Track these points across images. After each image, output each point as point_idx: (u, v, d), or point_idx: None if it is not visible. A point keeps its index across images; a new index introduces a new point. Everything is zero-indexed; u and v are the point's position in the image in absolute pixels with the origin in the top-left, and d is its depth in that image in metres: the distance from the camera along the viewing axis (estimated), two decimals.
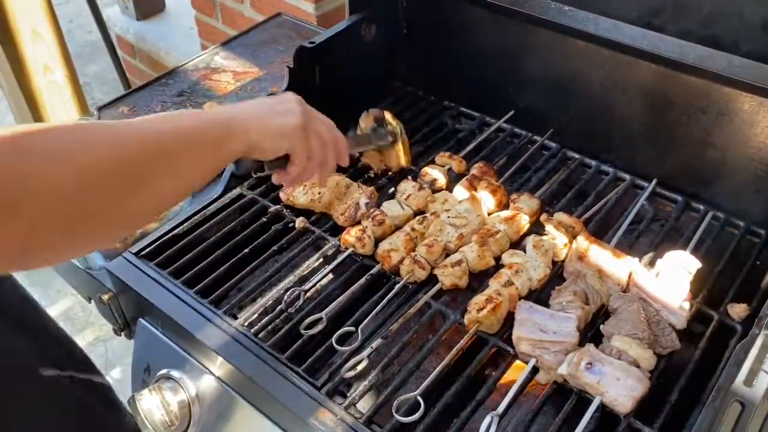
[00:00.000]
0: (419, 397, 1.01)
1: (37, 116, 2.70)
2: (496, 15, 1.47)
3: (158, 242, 1.28)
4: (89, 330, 2.84)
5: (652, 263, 1.21)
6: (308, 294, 1.22)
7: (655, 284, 1.13)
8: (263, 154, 0.99)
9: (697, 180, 1.34)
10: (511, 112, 1.54)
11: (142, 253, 1.26)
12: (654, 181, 1.37)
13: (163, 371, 1.18)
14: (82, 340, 2.79)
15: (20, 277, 3.04)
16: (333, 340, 1.11)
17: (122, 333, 1.41)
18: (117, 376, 2.70)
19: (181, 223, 1.32)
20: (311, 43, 1.40)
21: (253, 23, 2.28)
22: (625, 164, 1.42)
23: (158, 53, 2.91)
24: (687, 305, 1.11)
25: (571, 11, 1.42)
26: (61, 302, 2.93)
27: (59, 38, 2.59)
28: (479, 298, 1.12)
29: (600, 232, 1.30)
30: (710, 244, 1.26)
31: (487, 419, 0.97)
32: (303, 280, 1.24)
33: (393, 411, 1.00)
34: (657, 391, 1.03)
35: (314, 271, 1.26)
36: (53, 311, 2.90)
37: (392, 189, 1.43)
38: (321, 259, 1.28)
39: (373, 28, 1.54)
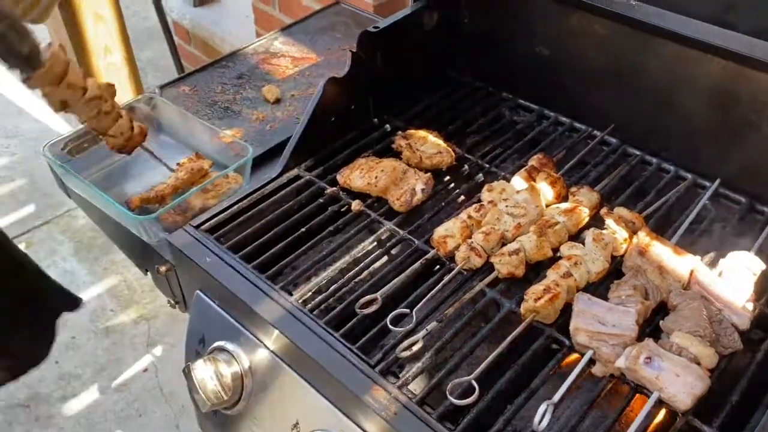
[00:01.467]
0: (474, 382, 1.01)
1: None
2: (559, 5, 1.46)
3: (217, 217, 1.30)
4: (133, 308, 2.90)
5: (713, 263, 1.18)
6: (362, 275, 1.23)
7: (718, 283, 1.11)
8: None
9: (763, 181, 1.31)
10: (570, 107, 1.52)
11: (202, 227, 1.28)
12: (717, 181, 1.34)
13: (218, 343, 1.20)
14: (126, 317, 2.86)
15: (70, 251, 3.10)
16: (387, 320, 1.11)
17: (177, 305, 1.44)
18: (159, 354, 2.76)
19: (240, 200, 1.34)
20: (375, 28, 1.41)
21: (310, 11, 2.31)
22: (688, 162, 1.39)
23: (213, 39, 2.96)
24: (750, 306, 1.09)
25: (637, 6, 1.41)
26: (107, 280, 3.00)
27: (120, 21, 2.65)
28: (537, 288, 1.11)
29: (660, 230, 1.27)
30: None
31: (543, 407, 0.97)
32: (357, 261, 1.25)
33: (447, 393, 1.00)
34: (717, 390, 1.00)
35: (368, 254, 1.26)
36: (99, 288, 2.97)
37: (447, 177, 1.43)
38: (375, 243, 1.28)
39: (435, 15, 1.54)
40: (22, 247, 3.13)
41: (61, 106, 1.30)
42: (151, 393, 2.60)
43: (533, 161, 1.37)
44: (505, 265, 1.16)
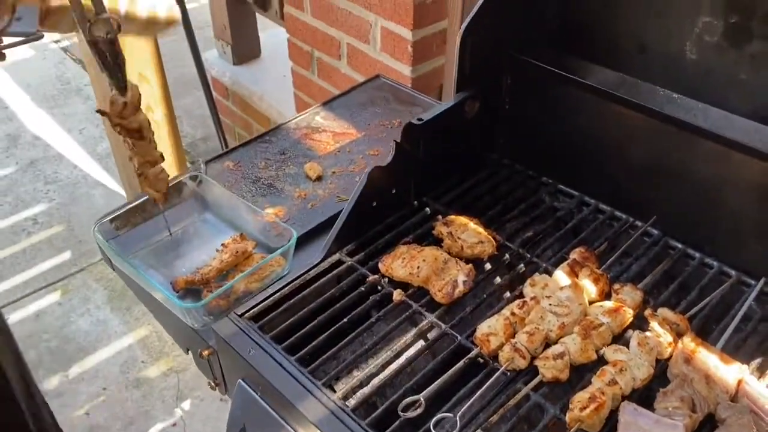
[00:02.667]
0: None
1: None
2: (600, 99, 1.48)
3: (261, 305, 1.32)
4: (163, 360, 2.92)
5: (761, 370, 1.17)
6: (404, 371, 1.23)
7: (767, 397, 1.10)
8: None
9: None
10: (611, 196, 1.53)
11: (246, 314, 1.30)
12: (762, 280, 1.33)
13: None
14: (156, 369, 2.88)
15: (103, 300, 3.15)
16: (431, 425, 1.11)
17: (217, 388, 1.45)
18: (187, 408, 2.77)
19: (282, 288, 1.36)
20: (419, 120, 1.44)
21: (348, 79, 2.36)
22: (732, 259, 1.38)
23: (251, 98, 3.02)
24: None
25: (680, 99, 1.42)
26: (140, 330, 3.04)
27: (163, 80, 2.73)
28: (582, 396, 1.10)
29: (703, 330, 1.27)
30: None
31: None
32: (399, 354, 1.25)
33: None
34: None
35: (410, 346, 1.27)
36: (130, 338, 3.00)
37: (488, 265, 1.44)
38: (417, 335, 1.29)
39: (476, 104, 1.56)
40: (57, 294, 3.19)
41: (130, 136, 1.37)
42: None
43: (575, 254, 1.37)
44: (550, 369, 1.16)
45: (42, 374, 2.85)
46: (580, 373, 1.19)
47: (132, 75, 2.58)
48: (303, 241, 1.52)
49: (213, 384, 1.44)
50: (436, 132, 1.49)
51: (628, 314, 1.24)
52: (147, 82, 2.68)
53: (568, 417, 1.09)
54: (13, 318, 3.07)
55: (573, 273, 1.32)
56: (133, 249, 1.53)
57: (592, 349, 1.19)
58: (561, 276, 1.32)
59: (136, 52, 2.55)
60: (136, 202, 1.57)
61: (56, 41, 5.03)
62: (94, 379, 2.86)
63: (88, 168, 3.92)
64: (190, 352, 1.47)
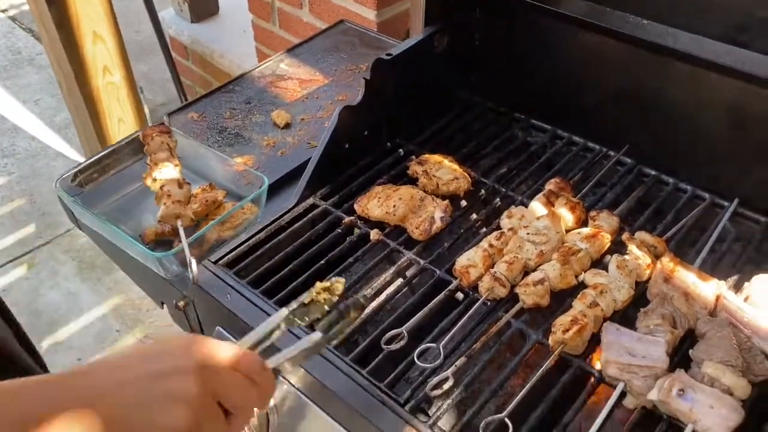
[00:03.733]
0: (507, 419, 1.00)
1: (93, 115, 2.75)
2: (571, 27, 1.46)
3: (235, 251, 1.29)
4: (138, 327, 2.88)
5: (737, 286, 1.18)
6: (385, 308, 1.22)
7: (746, 310, 1.11)
8: None
9: None
10: (584, 127, 1.52)
11: (221, 261, 1.27)
12: (736, 201, 1.34)
13: None
14: (132, 338, 2.84)
15: (73, 272, 3.08)
16: (414, 356, 1.10)
17: None
18: None
19: (257, 233, 1.33)
20: (388, 55, 1.40)
21: (310, 28, 2.30)
22: (705, 182, 1.38)
23: (212, 55, 2.94)
24: None
25: (649, 25, 1.40)
26: (113, 299, 2.98)
27: (119, 40, 2.63)
28: (564, 319, 1.10)
29: (680, 252, 1.27)
30: None
31: None
32: (379, 293, 1.24)
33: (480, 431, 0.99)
34: (749, 420, 1.00)
35: (389, 285, 1.25)
36: (103, 308, 2.95)
37: (463, 202, 1.42)
38: (396, 273, 1.27)
39: (445, 39, 1.53)
40: (23, 269, 3.11)
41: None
42: None
43: (550, 185, 1.36)
44: (530, 295, 1.15)
45: None
46: (561, 299, 1.19)
47: (86, 34, 2.50)
48: (275, 188, 1.48)
49: None
50: (405, 68, 1.46)
51: (606, 239, 1.24)
52: (102, 42, 2.58)
53: (551, 340, 1.09)
54: None
55: (549, 203, 1.32)
56: (99, 204, 1.48)
57: (572, 274, 1.19)
58: (537, 206, 1.31)
59: (88, 9, 2.44)
60: (97, 156, 1.51)
61: (3, 10, 4.82)
62: (68, 350, 2.80)
63: (47, 139, 3.79)
64: (165, 306, 1.43)
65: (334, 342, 0.87)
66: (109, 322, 2.91)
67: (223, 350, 0.72)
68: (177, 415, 0.67)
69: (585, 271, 1.21)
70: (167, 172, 1.37)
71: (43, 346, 2.80)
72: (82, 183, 1.51)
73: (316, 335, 0.84)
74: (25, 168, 3.61)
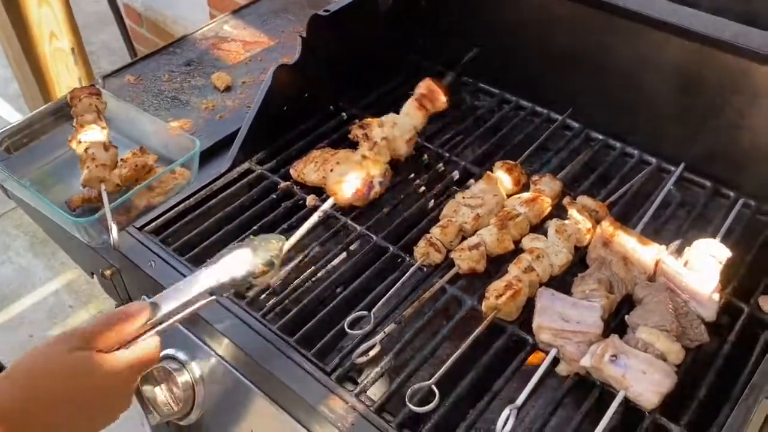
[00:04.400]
0: (434, 387, 0.97)
1: (41, 84, 2.64)
2: None
3: (163, 217, 1.24)
4: (93, 303, 2.81)
5: (679, 251, 1.15)
6: (319, 275, 1.17)
7: (684, 274, 1.08)
8: None
9: (728, 165, 1.27)
10: (531, 91, 1.47)
11: (147, 227, 1.21)
12: (682, 166, 1.31)
13: (167, 351, 1.13)
14: (86, 313, 2.77)
15: (25, 246, 3.00)
16: (345, 324, 1.06)
17: None
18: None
19: (187, 198, 1.27)
20: (326, 11, 1.34)
21: None
22: (652, 147, 1.35)
23: (165, 22, 2.84)
24: (717, 297, 1.06)
25: None
26: (66, 274, 2.90)
27: (65, 5, 2.52)
28: (498, 284, 1.06)
29: (624, 217, 1.24)
30: (741, 233, 1.20)
31: (506, 412, 0.93)
32: (314, 260, 1.19)
33: (406, 400, 0.96)
34: (684, 386, 0.98)
35: (326, 252, 1.21)
36: (56, 283, 2.87)
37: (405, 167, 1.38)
38: (333, 240, 1.23)
39: None
40: None
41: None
42: None
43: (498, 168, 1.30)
44: (465, 260, 1.11)
45: None
46: (499, 265, 1.15)
47: None
48: (212, 153, 1.42)
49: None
50: (347, 27, 1.39)
51: (546, 203, 1.21)
52: (48, 6, 2.47)
53: (483, 305, 1.06)
54: None
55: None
56: (28, 170, 1.41)
57: (509, 239, 1.15)
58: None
59: None
60: (25, 120, 1.44)
61: None
62: (19, 326, 2.73)
63: (0, 111, 3.67)
64: (95, 276, 1.37)
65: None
66: (62, 297, 2.83)
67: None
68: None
69: (524, 236, 1.17)
70: (93, 134, 1.31)
71: None
72: (10, 148, 1.44)
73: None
74: None
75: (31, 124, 1.46)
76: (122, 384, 0.81)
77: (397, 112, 1.42)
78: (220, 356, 1.09)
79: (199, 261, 1.16)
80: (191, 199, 1.27)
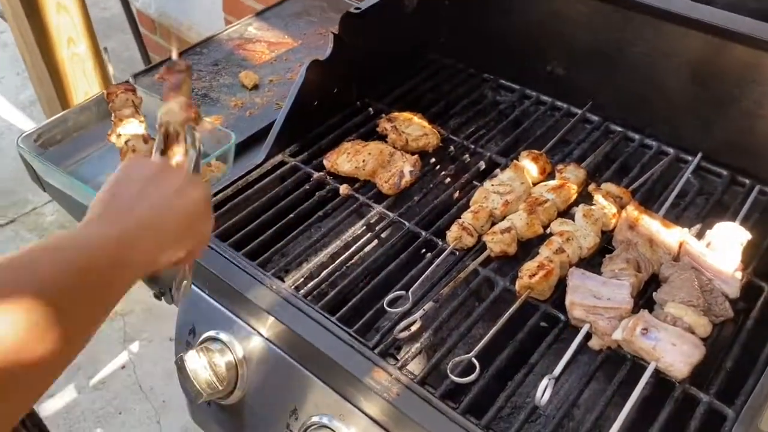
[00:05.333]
0: (474, 359, 1.01)
1: (58, 88, 2.69)
2: None
3: None
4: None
5: (699, 235, 1.20)
6: (354, 260, 1.22)
7: (707, 254, 1.13)
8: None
9: (745, 154, 1.33)
10: (551, 86, 1.53)
11: None
12: (699, 155, 1.36)
13: (210, 333, 1.17)
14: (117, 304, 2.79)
15: None
16: (384, 302, 1.10)
17: (162, 297, 1.40)
18: (135, 350, 2.71)
19: (224, 188, 1.32)
20: (357, 9, 1.39)
21: None
22: (670, 138, 1.40)
23: (180, 28, 2.89)
24: (739, 275, 1.11)
25: None
26: None
27: (83, 10, 2.58)
28: (530, 265, 1.11)
29: (645, 204, 1.28)
30: (758, 218, 1.26)
31: (544, 381, 0.97)
32: (348, 246, 1.23)
33: (448, 371, 1.00)
34: (711, 358, 1.02)
35: (359, 238, 1.25)
36: None
37: (433, 158, 1.43)
38: (365, 226, 1.27)
39: None
40: None
41: None
42: (130, 390, 2.56)
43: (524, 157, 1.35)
44: (497, 243, 1.16)
45: None
46: (528, 249, 1.20)
47: (50, 4, 2.45)
48: (243, 148, 1.47)
49: (158, 293, 1.39)
50: (375, 26, 1.45)
51: (573, 190, 1.26)
52: (66, 13, 2.52)
53: (517, 285, 1.10)
54: None
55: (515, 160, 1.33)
56: (63, 164, 1.46)
57: (539, 224, 1.20)
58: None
59: None
60: (60, 116, 1.49)
61: None
62: None
63: (12, 118, 3.71)
64: None
65: None
66: None
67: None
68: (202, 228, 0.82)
69: (552, 222, 1.22)
70: (132, 127, 1.35)
71: None
72: (45, 144, 1.48)
73: None
74: None
75: (65, 120, 1.50)
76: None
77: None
78: (263, 335, 1.13)
79: (239, 246, 1.20)
80: (229, 189, 1.31)
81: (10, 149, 3.51)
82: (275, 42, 1.79)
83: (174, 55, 0.88)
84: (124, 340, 2.73)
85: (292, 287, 1.14)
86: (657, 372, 1.00)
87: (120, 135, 1.35)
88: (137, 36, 3.04)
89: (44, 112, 3.03)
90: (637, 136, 1.44)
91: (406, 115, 1.44)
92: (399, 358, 1.05)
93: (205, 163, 1.35)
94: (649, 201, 1.31)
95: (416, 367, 1.05)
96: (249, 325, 1.14)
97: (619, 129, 1.45)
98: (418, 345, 1.05)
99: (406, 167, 1.33)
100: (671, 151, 1.40)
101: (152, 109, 1.49)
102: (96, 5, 4.24)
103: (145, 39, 3.13)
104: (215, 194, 1.30)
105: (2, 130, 3.63)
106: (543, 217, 1.21)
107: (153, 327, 2.75)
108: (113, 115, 1.41)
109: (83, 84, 2.73)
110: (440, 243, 1.21)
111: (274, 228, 1.25)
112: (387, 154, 1.35)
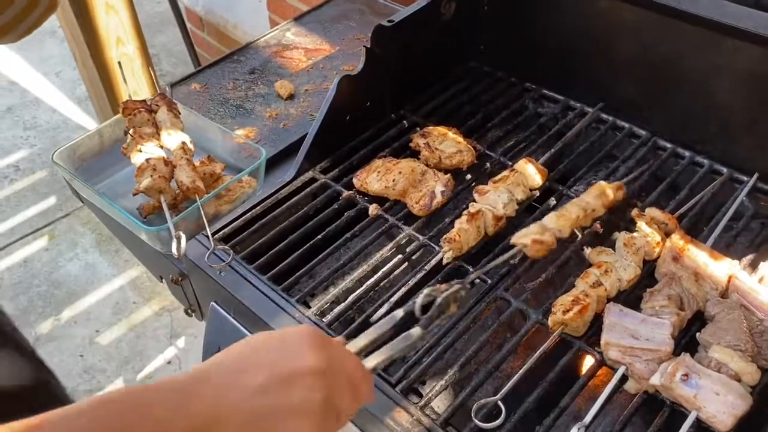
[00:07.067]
0: (500, 402, 0.97)
1: (108, 87, 2.74)
2: None
3: (231, 225, 1.27)
4: (155, 300, 2.90)
5: (753, 266, 1.12)
6: (382, 284, 1.18)
7: (759, 290, 1.05)
8: None
9: None
10: (597, 98, 1.45)
11: (216, 236, 1.25)
12: (755, 176, 1.27)
13: None
14: (148, 309, 2.86)
15: (92, 243, 3.09)
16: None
17: (193, 314, 1.41)
18: (182, 345, 2.76)
19: (253, 207, 1.30)
20: (390, 21, 1.34)
21: None
22: (723, 156, 1.31)
23: (226, 26, 2.90)
24: None
25: None
26: (130, 271, 3.00)
27: (132, 11, 2.61)
28: (565, 299, 1.05)
29: (694, 229, 1.21)
30: None
31: (573, 431, 0.92)
32: (376, 269, 1.20)
33: (472, 415, 0.96)
34: (758, 407, 0.95)
35: (387, 261, 1.21)
36: (120, 280, 2.97)
37: (468, 175, 1.37)
38: (395, 249, 1.23)
39: (452, 5, 1.46)
40: (44, 240, 3.15)
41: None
42: None
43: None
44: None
45: (33, 319, 2.83)
46: (563, 277, 1.14)
47: (99, 5, 2.48)
48: (276, 161, 1.45)
49: (189, 310, 1.40)
50: (410, 36, 1.40)
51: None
52: (115, 13, 2.56)
53: (550, 320, 1.05)
54: (0, 266, 3.03)
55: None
56: (100, 177, 1.47)
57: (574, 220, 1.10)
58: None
59: None
60: (96, 128, 1.49)
61: None
62: (86, 321, 2.84)
63: (68, 112, 3.81)
64: (163, 279, 1.42)
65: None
66: (126, 293, 2.93)
67: (337, 352, 0.70)
68: (301, 425, 0.65)
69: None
70: (151, 148, 1.34)
71: (62, 317, 2.84)
72: (84, 156, 1.50)
73: (416, 332, 0.77)
74: (47, 140, 3.64)
75: (102, 133, 1.51)
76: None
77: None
78: None
79: (266, 269, 1.19)
80: (258, 208, 1.29)
81: (67, 143, 3.62)
82: (312, 49, 1.76)
83: None
84: (170, 335, 2.78)
85: (317, 313, 1.12)
86: (698, 421, 0.93)
87: (141, 151, 1.33)
88: (185, 33, 3.06)
89: (95, 110, 3.10)
90: (687, 153, 1.35)
91: (441, 129, 1.39)
92: (423, 394, 1.01)
93: (236, 180, 1.34)
94: (698, 225, 1.23)
95: (441, 404, 1.02)
96: None
97: (669, 145, 1.36)
98: (443, 382, 1.01)
99: (437, 187, 1.28)
100: (724, 170, 1.30)
101: (187, 124, 1.49)
102: (150, 0, 4.32)
103: (193, 36, 3.16)
104: (245, 212, 1.29)
105: (59, 124, 3.74)
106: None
107: (198, 323, 2.78)
108: (131, 130, 1.39)
109: (132, 83, 2.77)
110: (471, 269, 1.17)
111: (301, 249, 1.23)
112: (418, 173, 1.31)
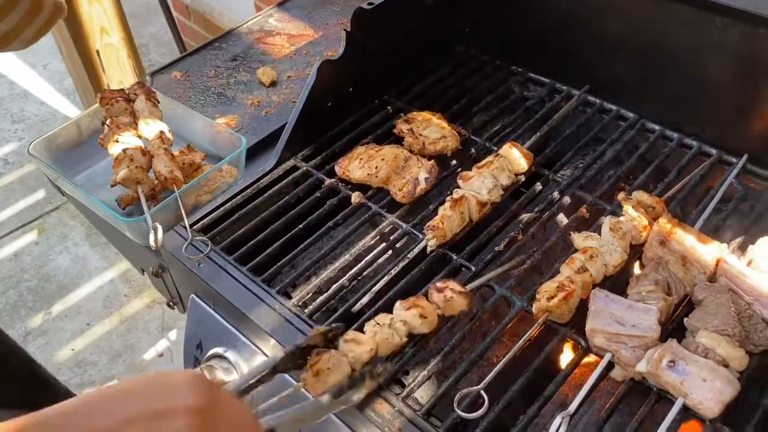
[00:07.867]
0: (483, 392, 0.95)
1: (93, 78, 2.70)
2: None
3: (210, 216, 1.24)
4: (147, 292, 2.87)
5: (742, 249, 1.09)
6: (365, 274, 1.16)
7: (748, 274, 1.02)
8: None
9: None
10: (584, 80, 1.42)
11: (195, 227, 1.22)
12: (745, 157, 1.24)
13: (216, 350, 1.14)
14: (139, 302, 2.84)
15: (81, 236, 3.07)
16: None
17: (175, 306, 1.39)
18: (174, 337, 2.74)
19: (234, 197, 1.27)
20: (370, 4, 1.31)
21: None
22: (712, 137, 1.28)
23: (212, 14, 2.86)
24: None
25: None
26: (120, 264, 2.97)
27: (115, 1, 2.57)
28: (549, 285, 1.03)
29: (682, 212, 1.19)
30: None
31: (557, 420, 0.90)
32: (359, 258, 1.18)
33: (454, 405, 0.94)
34: (746, 393, 0.93)
35: (370, 250, 1.19)
36: (111, 273, 2.95)
37: (453, 161, 1.35)
38: (378, 237, 1.21)
39: None
40: (34, 234, 3.12)
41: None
42: None
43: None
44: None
45: (24, 313, 2.81)
46: (550, 263, 1.12)
47: None
48: (258, 149, 1.42)
49: (171, 303, 1.38)
50: (392, 19, 1.36)
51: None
52: (98, 3, 2.52)
53: (534, 308, 1.03)
54: None
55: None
56: (78, 168, 1.44)
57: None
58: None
59: None
60: (74, 118, 1.46)
61: None
62: (77, 315, 2.82)
63: (56, 104, 3.78)
64: (145, 272, 1.39)
65: (342, 409, 0.78)
66: (117, 286, 2.91)
67: (225, 399, 0.65)
68: None
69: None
70: (129, 138, 1.31)
71: (53, 311, 2.82)
72: (62, 146, 1.47)
73: (322, 400, 0.74)
74: (35, 133, 3.60)
75: (80, 123, 1.48)
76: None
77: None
78: (266, 355, 1.09)
79: (246, 260, 1.16)
80: (238, 198, 1.27)
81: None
82: (296, 34, 1.73)
83: None
84: (162, 328, 2.76)
85: (299, 304, 1.10)
86: (685, 408, 0.91)
87: (118, 141, 1.30)
88: (171, 22, 3.01)
89: (81, 102, 3.06)
90: (675, 135, 1.32)
91: (425, 115, 1.36)
92: (405, 384, 0.99)
93: (215, 169, 1.31)
94: (686, 208, 1.21)
95: (424, 394, 1.00)
96: (253, 343, 1.10)
97: (657, 127, 1.34)
98: (425, 372, 0.99)
99: (421, 174, 1.25)
100: (713, 151, 1.28)
101: (167, 112, 1.46)
102: None
103: (180, 24, 3.12)
104: (225, 202, 1.26)
105: (48, 117, 3.70)
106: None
107: None
108: (109, 120, 1.36)
109: (117, 73, 2.73)
110: (455, 257, 1.14)
111: (283, 239, 1.21)
112: (401, 160, 1.28)
